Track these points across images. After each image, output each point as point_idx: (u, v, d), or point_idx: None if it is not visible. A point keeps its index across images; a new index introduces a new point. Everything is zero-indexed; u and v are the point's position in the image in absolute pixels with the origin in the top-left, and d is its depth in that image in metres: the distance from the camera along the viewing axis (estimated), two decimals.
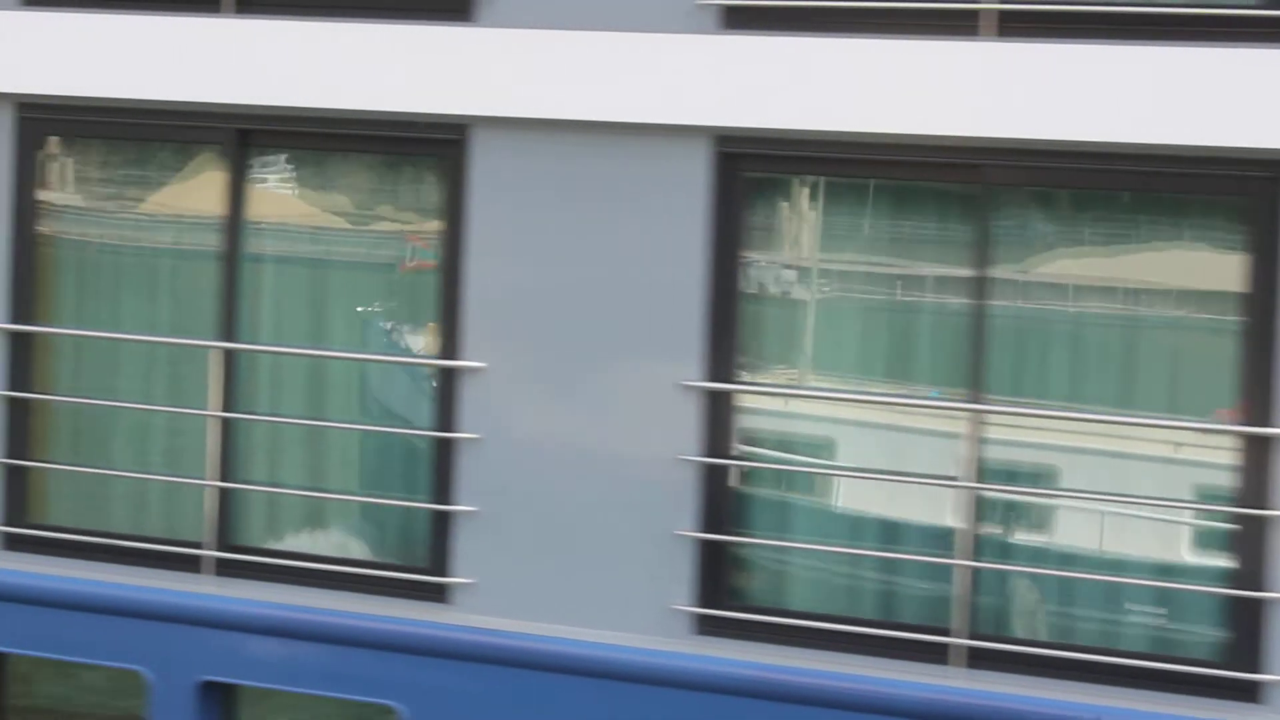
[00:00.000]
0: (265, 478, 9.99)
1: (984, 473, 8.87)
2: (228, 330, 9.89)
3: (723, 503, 9.17)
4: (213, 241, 9.93)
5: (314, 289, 9.95)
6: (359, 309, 9.96)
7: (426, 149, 9.58)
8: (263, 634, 9.67)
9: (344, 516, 9.95)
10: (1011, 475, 8.95)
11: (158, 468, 10.18)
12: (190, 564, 9.94)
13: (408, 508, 9.76)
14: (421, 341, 9.87)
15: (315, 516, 9.98)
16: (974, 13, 8.76)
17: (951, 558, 8.90)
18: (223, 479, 9.92)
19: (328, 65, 9.58)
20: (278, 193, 9.97)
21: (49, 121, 10.14)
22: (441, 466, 9.56)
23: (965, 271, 8.89)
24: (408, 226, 9.78)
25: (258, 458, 10.01)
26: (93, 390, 10.25)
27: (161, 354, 10.18)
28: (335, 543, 9.94)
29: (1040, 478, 8.96)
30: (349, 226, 9.89)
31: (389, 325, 10.02)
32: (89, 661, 9.99)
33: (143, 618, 9.83)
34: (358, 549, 9.88)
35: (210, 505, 9.93)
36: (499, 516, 9.44)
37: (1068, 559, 8.90)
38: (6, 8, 10.11)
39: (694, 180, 9.12)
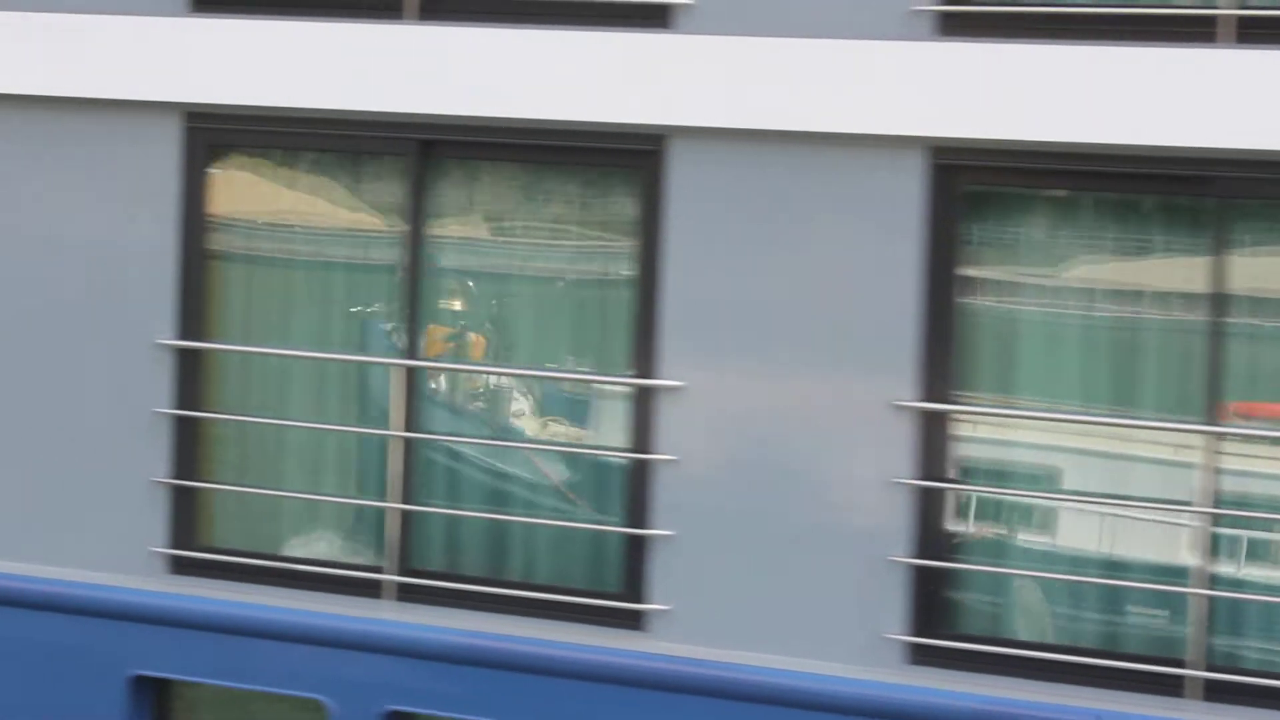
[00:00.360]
0: (446, 499, 9.66)
1: (1220, 500, 8.54)
2: (410, 348, 9.55)
3: (938, 528, 8.82)
4: (394, 256, 9.59)
5: (499, 304, 9.60)
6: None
7: (622, 160, 9.24)
8: (450, 662, 9.33)
9: (530, 540, 9.59)
10: (1246, 502, 8.60)
11: (329, 489, 9.85)
12: (370, 589, 9.60)
13: (597, 531, 9.43)
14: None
15: (499, 540, 9.62)
16: (1211, 19, 8.41)
17: (1179, 588, 8.57)
18: (404, 501, 9.58)
19: (517, 73, 9.24)
20: (460, 206, 9.61)
21: (218, 132, 9.80)
22: (636, 488, 9.22)
23: (1197, 288, 8.55)
24: (599, 240, 9.43)
25: (439, 479, 9.67)
26: (262, 409, 9.93)
27: (334, 371, 9.86)
28: (521, 567, 9.59)
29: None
30: (537, 241, 9.54)
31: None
32: (266, 690, 9.65)
33: (324, 645, 9.50)
34: (545, 574, 9.53)
35: (392, 528, 9.59)
36: (697, 540, 9.10)
37: None
38: (174, 14, 9.77)
39: (908, 193, 8.78)
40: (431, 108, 9.38)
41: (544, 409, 9.67)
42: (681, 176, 9.08)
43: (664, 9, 9.10)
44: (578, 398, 9.56)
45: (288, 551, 9.87)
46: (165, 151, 9.83)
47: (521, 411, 9.71)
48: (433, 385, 9.72)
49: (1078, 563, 8.82)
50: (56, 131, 9.94)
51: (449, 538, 9.64)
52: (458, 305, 9.66)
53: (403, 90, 9.41)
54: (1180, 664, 8.55)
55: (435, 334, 9.65)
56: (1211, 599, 8.54)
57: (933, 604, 8.83)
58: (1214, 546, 8.57)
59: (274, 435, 9.93)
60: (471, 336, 9.66)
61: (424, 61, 9.38)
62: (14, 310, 10.04)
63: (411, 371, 9.56)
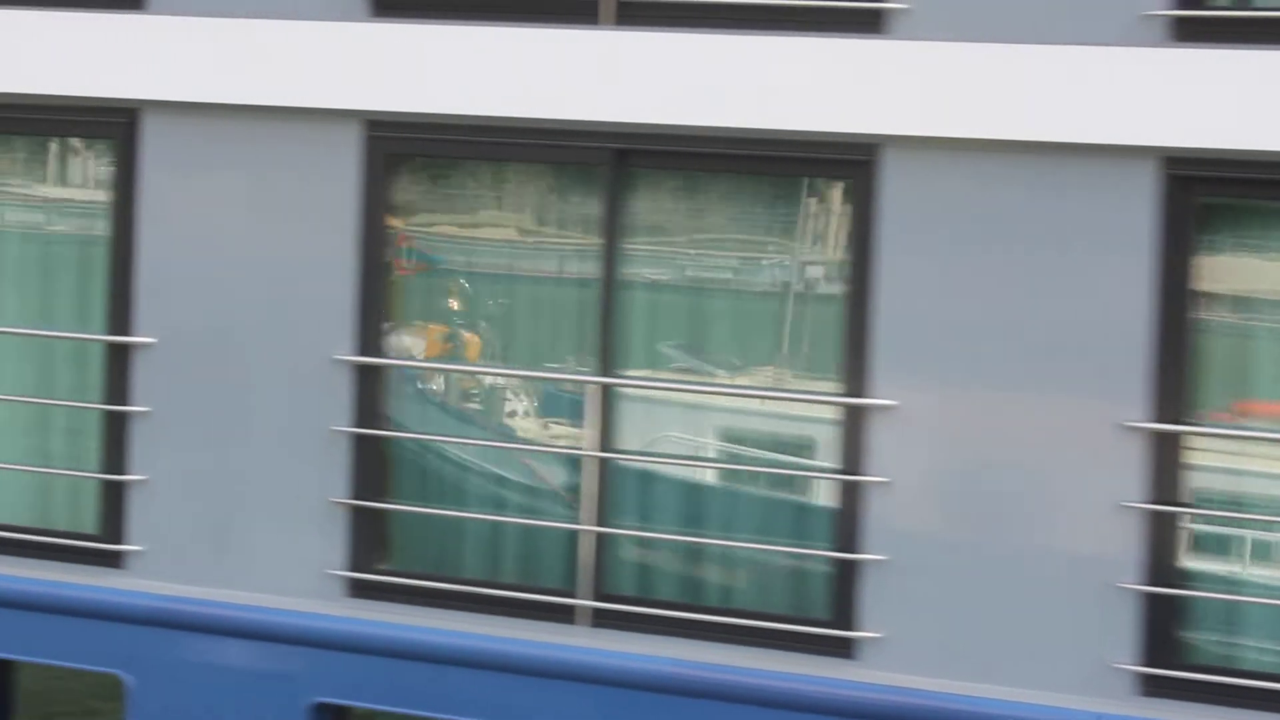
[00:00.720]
0: (638, 521, 9.31)
1: None
2: (604, 364, 9.21)
3: (1169, 554, 8.47)
4: (586, 269, 9.25)
5: (694, 319, 9.26)
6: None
7: (832, 170, 8.89)
8: (649, 691, 9.00)
9: (730, 564, 9.25)
10: None
11: (512, 510, 9.51)
12: (563, 614, 9.26)
13: (802, 555, 9.08)
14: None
15: (696, 563, 9.28)
16: None
17: None
18: (599, 523, 9.25)
19: (716, 80, 8.90)
20: (657, 217, 9.26)
21: (400, 140, 9.45)
22: (847, 511, 8.88)
23: None
24: (806, 253, 9.08)
25: (632, 500, 9.33)
26: (443, 428, 9.62)
27: (513, 387, 9.54)
28: (719, 592, 9.25)
29: None
30: (739, 254, 9.18)
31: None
32: (451, 718, 9.30)
33: (515, 672, 9.17)
34: (745, 599, 9.18)
35: (586, 551, 9.26)
36: (912, 565, 8.75)
37: None
38: (354, 18, 9.43)
39: (1139, 205, 8.42)
40: (627, 115, 9.04)
41: (741, 428, 9.31)
42: (895, 187, 8.74)
43: (877, 14, 8.75)
44: (781, 417, 9.20)
45: (473, 575, 9.52)
46: (344, 160, 9.49)
47: (720, 430, 9.35)
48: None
49: None
50: (232, 139, 9.62)
51: (644, 561, 9.30)
52: (650, 319, 9.30)
53: (597, 97, 9.06)
54: None
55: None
56: None
57: (1163, 633, 8.47)
58: None
59: (457, 454, 9.61)
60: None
61: (620, 68, 9.03)
62: (188, 322, 9.72)
63: (607, 389, 9.22)
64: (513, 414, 9.60)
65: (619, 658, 9.05)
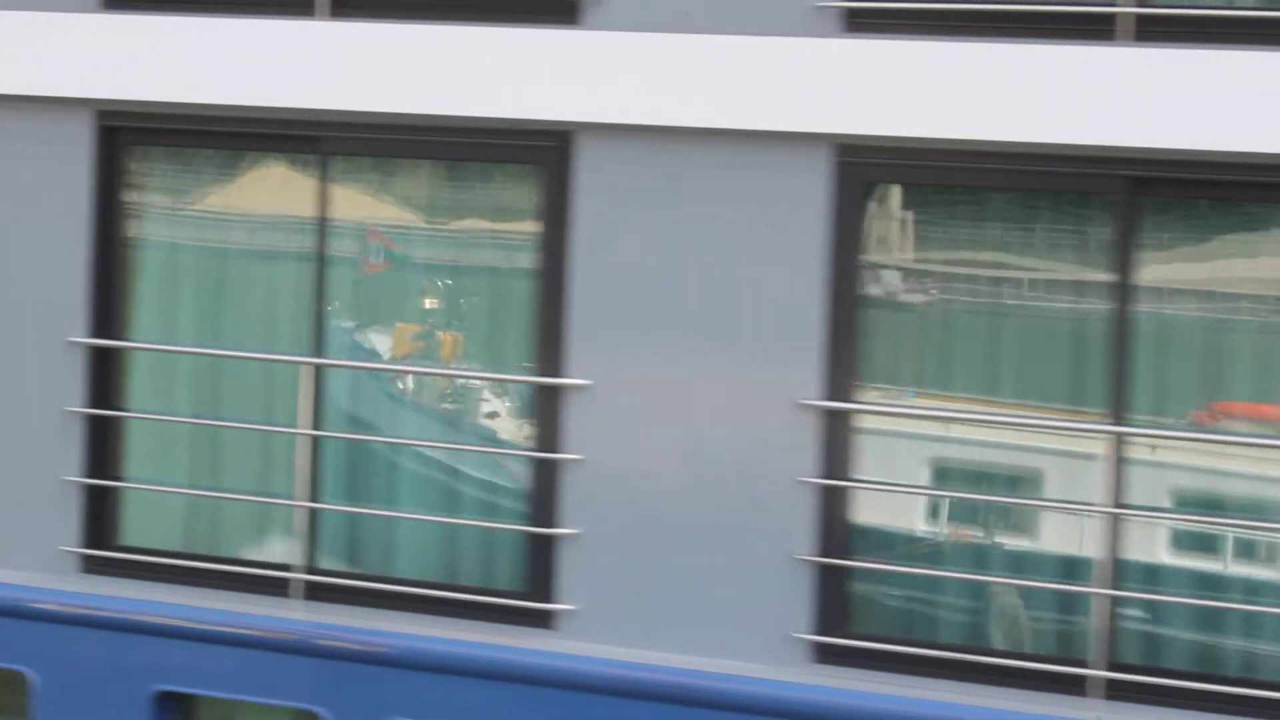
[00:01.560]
0: (1151, 585, 8.55)
1: None
2: (1116, 413, 8.42)
3: None
4: (1091, 307, 8.46)
5: (1213, 362, 8.46)
6: None
7: None
8: None
9: (1255, 632, 8.47)
10: None
11: (996, 569, 8.75)
12: (1071, 685, 8.48)
13: None
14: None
15: (1216, 631, 8.50)
16: None
17: None
18: (1112, 587, 8.47)
19: (1251, 102, 8.07)
20: (1176, 252, 8.47)
21: (876, 167, 8.66)
22: None
23: None
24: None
25: (1143, 562, 8.57)
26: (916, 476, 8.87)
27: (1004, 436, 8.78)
28: (1242, 663, 8.46)
29: None
30: (1259, 292, 8.40)
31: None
32: None
33: None
34: (1272, 670, 8.39)
35: (1100, 617, 8.47)
36: None
37: None
38: (823, 34, 8.65)
39: None
40: (1147, 140, 8.23)
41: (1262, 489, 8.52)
42: None
43: None
44: None
45: (951, 640, 8.75)
46: (811, 188, 8.70)
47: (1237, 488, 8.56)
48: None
49: None
50: (680, 165, 8.83)
51: (1162, 627, 8.53)
52: (1165, 364, 8.51)
53: (1111, 119, 8.25)
54: None
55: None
56: None
57: None
58: None
59: (927, 506, 8.85)
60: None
61: (1139, 87, 8.22)
62: (627, 363, 8.95)
63: (1120, 439, 8.43)
64: (1002, 464, 8.82)
65: None
